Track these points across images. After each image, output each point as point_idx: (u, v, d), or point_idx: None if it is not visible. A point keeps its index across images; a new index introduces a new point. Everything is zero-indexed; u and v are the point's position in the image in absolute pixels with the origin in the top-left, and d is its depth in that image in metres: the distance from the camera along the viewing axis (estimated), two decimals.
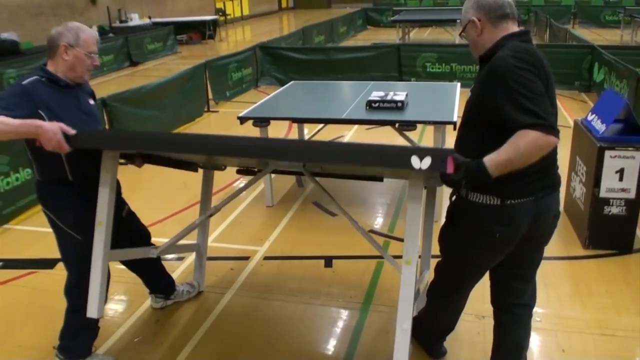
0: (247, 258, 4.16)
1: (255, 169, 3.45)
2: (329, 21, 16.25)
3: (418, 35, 17.49)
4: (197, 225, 3.46)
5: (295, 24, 21.78)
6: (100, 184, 2.61)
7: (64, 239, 2.78)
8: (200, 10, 21.09)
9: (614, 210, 3.95)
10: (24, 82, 2.53)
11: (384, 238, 4.42)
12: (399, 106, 4.62)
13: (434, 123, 4.36)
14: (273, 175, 5.07)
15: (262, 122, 4.70)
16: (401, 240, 4.16)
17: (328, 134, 6.55)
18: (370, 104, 4.70)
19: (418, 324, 2.83)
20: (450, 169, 1.85)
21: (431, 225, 3.20)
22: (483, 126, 2.19)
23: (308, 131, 6.28)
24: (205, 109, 8.72)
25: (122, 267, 3.32)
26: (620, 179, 3.88)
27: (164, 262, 3.50)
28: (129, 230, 3.06)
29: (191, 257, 4.13)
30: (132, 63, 13.44)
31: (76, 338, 2.94)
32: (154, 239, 3.25)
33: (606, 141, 3.91)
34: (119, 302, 3.66)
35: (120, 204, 2.96)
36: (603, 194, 3.94)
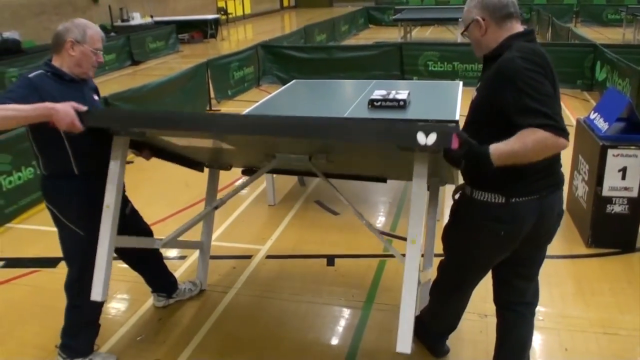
0: (249, 257, 4.16)
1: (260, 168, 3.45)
2: (330, 20, 16.24)
3: (420, 34, 17.46)
4: (203, 217, 3.44)
5: (297, 23, 21.79)
6: (109, 170, 2.61)
7: (66, 235, 2.79)
8: (202, 9, 21.10)
9: (617, 208, 3.95)
10: (30, 76, 2.54)
11: (386, 237, 4.41)
12: (401, 105, 4.62)
13: (436, 122, 4.36)
14: (275, 174, 5.07)
15: None
16: (403, 239, 4.15)
17: None
18: (372, 103, 4.70)
19: (420, 322, 2.83)
20: (455, 144, 1.88)
21: (434, 224, 3.20)
22: (487, 126, 2.18)
23: None
24: (207, 108, 8.73)
25: (125, 265, 3.32)
26: (623, 177, 3.87)
27: (165, 261, 3.50)
28: (132, 228, 3.05)
29: (193, 256, 4.13)
30: (133, 62, 13.44)
31: (78, 336, 2.94)
32: (155, 238, 3.25)
33: (609, 140, 3.90)
34: (121, 300, 3.66)
35: (123, 202, 2.96)
36: (606, 192, 3.93)
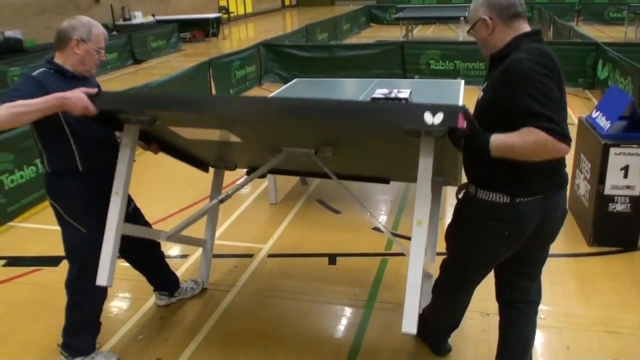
0: (251, 256, 4.17)
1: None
2: (332, 19, 16.25)
3: (421, 32, 17.46)
4: (208, 211, 3.43)
5: (298, 22, 21.79)
6: (119, 158, 2.61)
7: (69, 232, 2.79)
8: (203, 8, 21.09)
9: (619, 207, 3.94)
10: (34, 74, 2.55)
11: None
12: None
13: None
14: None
15: None
16: (406, 238, 4.15)
17: None
18: (374, 102, 4.69)
19: (423, 320, 2.82)
20: (461, 123, 1.89)
21: (436, 223, 3.20)
22: (492, 126, 2.17)
23: None
24: None
25: (127, 264, 3.32)
26: (625, 176, 3.87)
27: (167, 260, 3.50)
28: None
29: (194, 255, 4.14)
30: (135, 61, 13.46)
31: (79, 335, 2.94)
32: (160, 230, 3.24)
33: (611, 138, 3.89)
34: (123, 299, 3.66)
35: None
36: (608, 191, 3.93)
